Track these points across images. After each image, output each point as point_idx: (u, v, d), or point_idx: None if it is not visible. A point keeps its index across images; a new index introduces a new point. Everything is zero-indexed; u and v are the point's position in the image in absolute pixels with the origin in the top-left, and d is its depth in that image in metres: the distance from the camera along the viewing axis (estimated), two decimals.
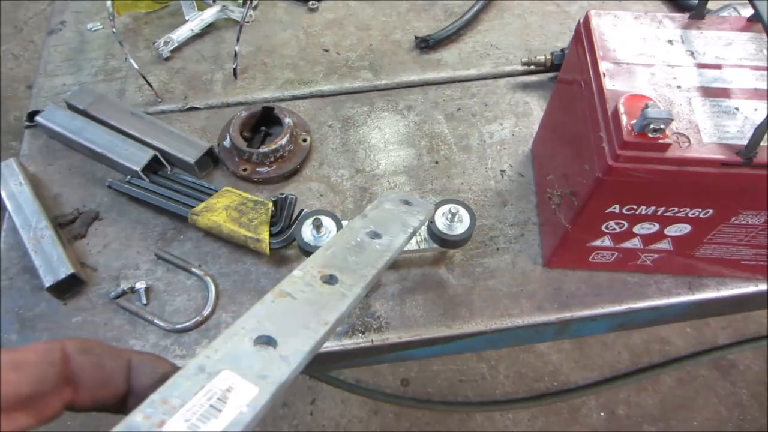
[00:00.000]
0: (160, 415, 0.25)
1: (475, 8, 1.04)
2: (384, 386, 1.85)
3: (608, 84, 0.58)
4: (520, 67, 0.97)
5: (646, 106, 0.52)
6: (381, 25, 1.06)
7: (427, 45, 1.00)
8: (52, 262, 0.76)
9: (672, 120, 0.52)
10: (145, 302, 0.76)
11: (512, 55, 1.00)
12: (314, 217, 0.69)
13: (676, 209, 0.61)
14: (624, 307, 0.74)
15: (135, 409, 0.25)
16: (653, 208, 0.61)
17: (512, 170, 0.86)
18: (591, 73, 0.61)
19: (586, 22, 0.65)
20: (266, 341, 0.32)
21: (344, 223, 0.73)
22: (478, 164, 0.87)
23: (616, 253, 0.72)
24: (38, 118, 0.90)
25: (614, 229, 0.66)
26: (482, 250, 0.78)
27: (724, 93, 0.58)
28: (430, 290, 0.75)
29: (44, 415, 0.28)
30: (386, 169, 0.87)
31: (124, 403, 0.32)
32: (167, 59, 1.02)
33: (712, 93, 0.58)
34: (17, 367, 0.28)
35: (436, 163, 0.87)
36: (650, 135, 0.53)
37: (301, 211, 0.78)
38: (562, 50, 0.94)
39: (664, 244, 0.69)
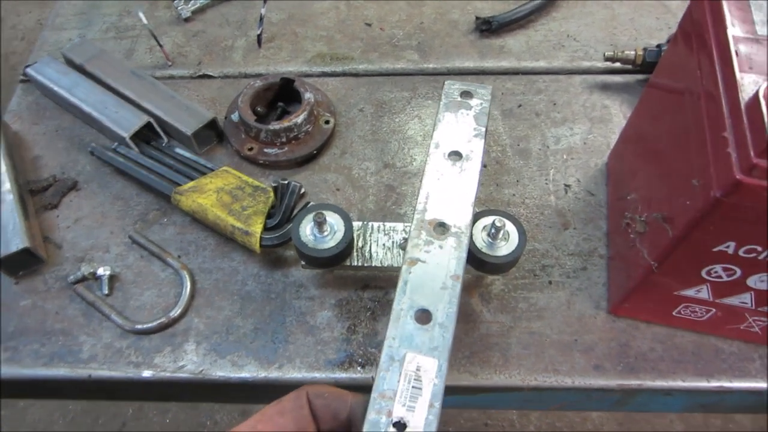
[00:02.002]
0: (385, 408, 0.34)
1: None
2: None
3: (741, 66, 0.40)
4: (601, 64, 0.80)
5: None
6: (436, 2, 0.90)
7: (489, 28, 0.84)
8: (7, 233, 0.63)
9: None
10: (106, 292, 0.62)
11: (592, 50, 0.82)
12: (317, 211, 0.54)
13: None
14: (713, 384, 0.55)
15: (371, 408, 0.34)
16: None
17: (579, 186, 0.68)
18: (715, 53, 0.43)
19: None
20: (423, 313, 0.38)
21: (356, 224, 0.57)
22: (537, 174, 0.69)
23: (714, 310, 0.53)
24: (29, 70, 0.79)
25: (719, 277, 0.48)
26: (530, 281, 0.61)
27: None
28: (457, 324, 0.58)
29: None
30: (421, 166, 0.70)
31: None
32: (187, 20, 0.89)
33: None
34: (282, 413, 0.37)
35: (485, 166, 0.70)
36: None
37: (307, 203, 0.63)
38: (659, 46, 0.75)
39: None
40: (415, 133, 0.74)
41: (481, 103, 0.53)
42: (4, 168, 0.68)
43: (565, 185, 0.68)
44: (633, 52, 0.75)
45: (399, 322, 0.38)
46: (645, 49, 0.75)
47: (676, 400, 0.58)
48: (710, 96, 0.42)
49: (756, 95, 0.37)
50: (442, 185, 0.47)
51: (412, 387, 0.35)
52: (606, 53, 0.77)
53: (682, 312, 0.54)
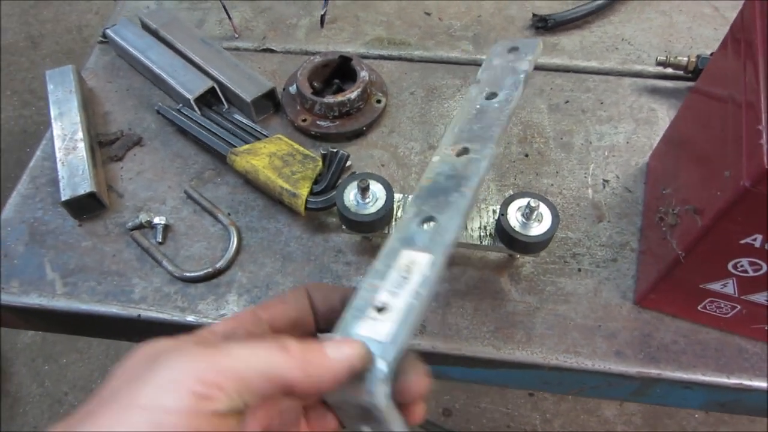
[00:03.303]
0: (371, 293, 0.34)
1: None
2: None
3: None
4: (652, 68, 0.80)
5: None
6: None
7: (545, 25, 0.86)
8: (76, 177, 0.68)
9: None
10: (160, 240, 0.66)
11: (646, 54, 0.83)
12: (362, 178, 0.57)
13: None
14: (733, 381, 0.56)
15: (357, 295, 0.35)
16: None
17: (618, 182, 0.69)
18: (760, 48, 0.44)
19: None
20: (428, 219, 0.38)
21: (397, 196, 0.60)
22: (577, 167, 0.71)
23: (739, 307, 0.54)
24: (108, 31, 0.85)
25: (746, 272, 0.49)
26: (560, 267, 0.63)
27: None
28: (485, 299, 0.61)
29: (302, 334, 0.39)
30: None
31: None
32: None
33: None
34: (283, 302, 0.39)
35: (526, 155, 0.72)
36: None
37: (352, 174, 0.66)
38: (713, 55, 0.76)
39: None
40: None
41: (528, 54, 0.49)
42: (78, 118, 0.74)
43: (604, 180, 0.70)
44: (686, 59, 0.76)
45: (402, 224, 0.38)
46: (698, 57, 0.76)
47: (695, 395, 0.58)
48: (750, 102, 0.43)
49: None
50: (473, 119, 0.44)
51: (401, 277, 0.34)
52: (658, 58, 0.78)
53: (708, 307, 0.55)
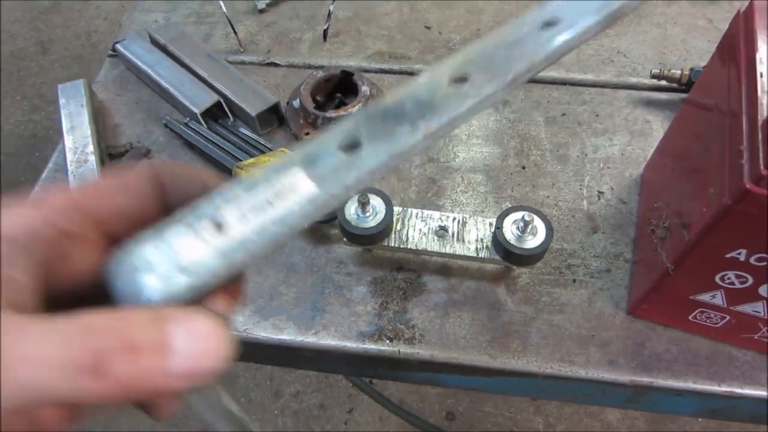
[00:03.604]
0: (224, 203, 0.26)
1: None
2: (427, 414, 1.71)
3: (765, 84, 0.44)
4: (647, 81, 0.82)
5: None
6: (495, 11, 0.94)
7: None
8: None
9: None
10: None
11: (641, 66, 0.85)
12: (362, 193, 0.59)
13: None
14: (724, 388, 0.57)
15: (210, 198, 0.26)
16: None
17: (612, 194, 0.71)
18: (743, 70, 0.46)
19: (750, 8, 0.50)
20: (354, 145, 0.28)
21: (396, 209, 0.63)
22: (573, 179, 0.73)
23: (728, 318, 0.55)
24: (118, 45, 0.87)
25: (732, 284, 0.50)
26: (555, 278, 0.65)
27: None
28: (481, 309, 0.62)
29: (139, 229, 0.26)
30: (463, 163, 0.75)
31: None
32: (262, 11, 0.97)
33: None
34: (120, 187, 0.27)
35: (523, 167, 0.74)
36: None
37: None
38: (704, 68, 0.78)
39: None
40: (460, 132, 0.78)
41: None
42: (89, 132, 0.77)
43: (599, 192, 0.71)
44: (679, 71, 0.78)
45: (319, 141, 0.29)
46: (692, 69, 0.78)
47: (687, 402, 0.60)
48: (733, 111, 0.45)
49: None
50: (506, 45, 0.30)
51: (267, 201, 0.26)
52: (652, 70, 0.79)
53: (698, 317, 0.57)
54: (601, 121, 0.79)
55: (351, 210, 0.60)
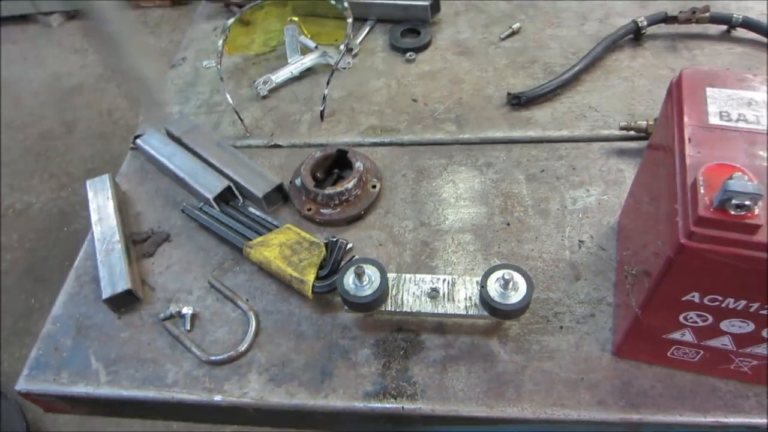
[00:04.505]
0: None
1: (577, 68, 0.97)
2: None
3: (691, 150, 0.50)
4: (618, 132, 0.89)
5: (731, 177, 0.43)
6: (475, 80, 1.03)
7: (518, 102, 0.95)
8: (114, 276, 0.78)
9: (761, 196, 0.42)
10: (188, 328, 0.76)
11: (612, 119, 0.92)
12: (357, 264, 0.66)
13: None
14: (710, 419, 0.61)
15: None
16: (743, 302, 0.50)
17: (592, 242, 0.77)
18: (676, 137, 0.53)
19: (679, 80, 0.57)
20: None
21: (391, 276, 0.69)
22: (555, 231, 0.79)
23: (702, 352, 0.60)
24: (138, 141, 0.97)
25: (696, 323, 0.55)
26: (543, 326, 0.70)
27: None
28: (477, 362, 0.68)
29: None
30: (452, 225, 0.81)
31: None
32: (264, 98, 1.06)
33: None
34: None
35: (508, 224, 0.80)
36: (732, 212, 0.43)
37: (353, 257, 0.75)
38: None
39: (764, 350, 0.56)
40: (449, 195, 0.85)
41: None
42: (115, 222, 0.85)
43: (579, 241, 0.77)
44: (645, 122, 0.84)
45: None
46: (656, 120, 0.84)
47: None
48: (671, 173, 0.51)
49: (696, 176, 0.47)
50: None
51: None
52: (621, 123, 0.86)
53: (675, 353, 0.62)
54: (578, 174, 0.85)
55: (349, 280, 0.66)
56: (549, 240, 0.78)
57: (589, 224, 0.79)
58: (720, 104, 0.54)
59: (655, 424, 0.62)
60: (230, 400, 0.69)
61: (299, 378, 0.69)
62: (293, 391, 0.68)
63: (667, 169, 0.53)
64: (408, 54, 1.09)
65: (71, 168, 2.59)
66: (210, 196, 0.86)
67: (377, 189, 0.86)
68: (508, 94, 0.97)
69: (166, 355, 0.74)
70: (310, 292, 0.71)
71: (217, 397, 0.69)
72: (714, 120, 0.52)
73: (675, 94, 0.56)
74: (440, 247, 0.79)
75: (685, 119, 0.52)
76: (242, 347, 0.72)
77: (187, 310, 0.76)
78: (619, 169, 0.85)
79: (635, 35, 1.04)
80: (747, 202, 0.43)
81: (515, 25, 1.11)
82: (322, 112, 1.00)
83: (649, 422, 0.62)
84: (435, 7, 1.14)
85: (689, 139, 0.51)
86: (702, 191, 0.46)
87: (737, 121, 0.52)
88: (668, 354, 0.62)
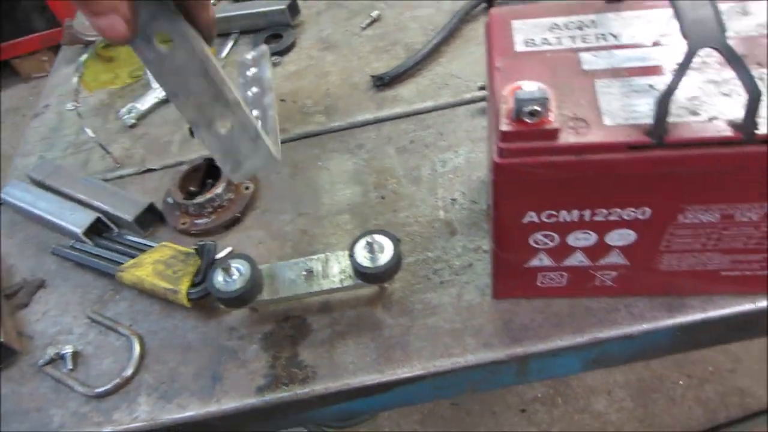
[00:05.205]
0: None
1: (434, 42, 1.00)
2: None
3: (500, 77, 0.52)
4: (478, 93, 0.91)
5: (520, 89, 0.45)
6: (340, 71, 1.04)
7: (382, 82, 0.97)
8: None
9: (547, 99, 0.44)
10: (71, 367, 0.72)
11: (472, 83, 0.94)
12: (223, 260, 0.64)
13: (605, 211, 0.52)
14: (587, 337, 0.63)
15: None
16: (576, 212, 0.52)
17: (464, 198, 0.78)
18: (490, 72, 0.55)
19: (489, 20, 0.59)
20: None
21: (265, 266, 0.68)
22: (428, 195, 0.80)
23: (566, 274, 0.62)
24: (1, 194, 0.93)
25: (546, 244, 0.57)
26: (424, 285, 0.70)
27: (637, 72, 0.50)
28: (364, 333, 0.67)
29: None
30: (330, 209, 0.81)
31: None
32: (132, 127, 1.04)
33: (622, 73, 0.50)
34: None
35: (383, 198, 0.81)
36: (528, 120, 0.45)
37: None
38: None
39: (616, 258, 0.58)
40: (324, 182, 0.85)
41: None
42: None
43: (452, 199, 0.78)
44: None
45: None
46: None
47: (567, 360, 0.65)
48: (490, 105, 0.53)
49: (501, 98, 0.48)
50: None
51: None
52: (478, 84, 0.89)
53: (545, 282, 0.63)
54: (445, 138, 0.87)
55: (219, 278, 0.65)
56: (423, 204, 0.79)
57: (459, 182, 0.80)
58: (525, 33, 0.56)
59: (539, 354, 0.63)
60: (120, 429, 0.66)
61: (190, 389, 0.67)
62: (184, 403, 0.66)
63: (491, 105, 0.55)
64: (273, 58, 1.09)
65: None
66: (79, 231, 0.82)
67: (251, 190, 0.85)
68: (372, 76, 0.98)
69: (50, 400, 0.70)
70: (186, 300, 0.70)
71: (107, 429, 0.66)
72: (520, 48, 0.54)
73: (487, 35, 0.58)
74: (319, 232, 0.79)
75: (494, 53, 0.54)
76: (127, 372, 0.69)
77: (67, 350, 0.73)
78: (483, 127, 0.87)
79: (488, 3, 1.08)
80: (537, 108, 0.44)
81: (374, 13, 1.13)
82: (190, 128, 0.98)
83: (533, 353, 0.63)
84: (294, 9, 1.15)
85: (498, 69, 0.52)
86: (504, 108, 0.47)
87: (541, 44, 0.54)
88: (538, 284, 0.63)
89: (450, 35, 1.03)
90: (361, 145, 0.90)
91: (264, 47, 0.94)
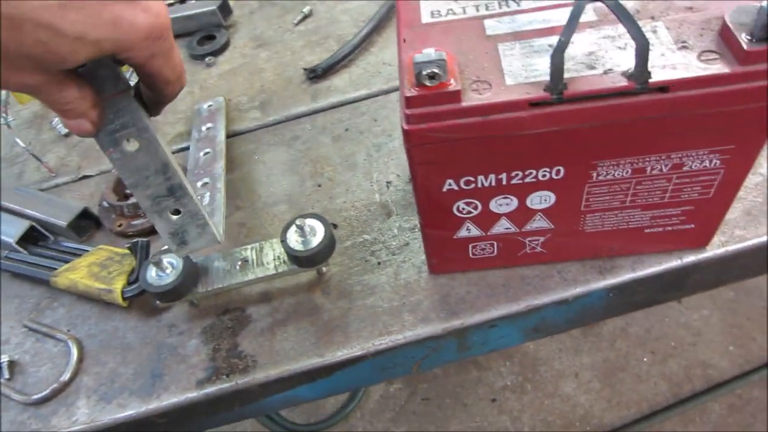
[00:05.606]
0: None
1: (364, 32, 1.01)
2: None
3: (406, 48, 0.52)
4: None
5: (419, 53, 0.46)
6: (274, 67, 1.04)
7: (316, 75, 0.97)
8: None
9: (444, 60, 0.45)
10: (7, 377, 0.70)
11: None
12: (154, 256, 0.64)
13: (520, 173, 0.53)
14: (523, 305, 0.64)
15: None
16: (492, 176, 0.53)
17: (399, 180, 0.79)
18: (399, 45, 0.55)
19: None
20: None
21: (198, 260, 0.67)
22: (364, 180, 0.80)
23: (496, 243, 0.63)
24: None
25: (470, 212, 0.58)
26: (362, 267, 0.70)
27: (538, 33, 0.51)
28: (303, 318, 0.67)
29: None
30: (266, 201, 0.81)
31: None
32: (67, 135, 1.02)
33: (523, 36, 0.51)
34: None
35: (319, 186, 0.81)
36: (428, 84, 0.46)
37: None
38: None
39: (540, 222, 0.59)
40: (260, 175, 0.85)
41: None
42: None
43: (387, 182, 0.79)
44: None
45: None
46: None
47: (507, 330, 0.66)
48: (400, 70, 0.54)
49: (404, 66, 0.49)
50: None
51: None
52: None
53: (477, 253, 0.64)
54: (379, 124, 0.87)
55: (151, 274, 0.64)
56: (359, 189, 0.79)
57: (394, 165, 0.81)
58: (431, 5, 0.57)
59: (476, 325, 0.64)
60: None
61: (129, 388, 0.66)
62: (124, 402, 0.65)
63: (400, 77, 0.55)
64: (207, 59, 1.08)
65: None
66: (12, 241, 0.80)
67: None
68: (305, 69, 0.98)
69: None
70: (122, 299, 0.68)
71: None
72: (426, 19, 0.55)
73: (397, 11, 0.59)
74: (257, 224, 0.79)
75: (401, 25, 0.55)
76: (65, 377, 0.68)
77: (3, 360, 0.71)
78: None
79: None
80: (436, 70, 0.45)
81: (306, 9, 1.13)
82: None
83: (470, 324, 0.64)
84: (225, 9, 1.15)
85: (404, 40, 0.53)
86: (406, 75, 0.48)
87: (447, 15, 0.55)
88: (471, 256, 0.64)
89: (380, 24, 1.04)
90: (297, 136, 0.90)
91: (220, 99, 0.95)
